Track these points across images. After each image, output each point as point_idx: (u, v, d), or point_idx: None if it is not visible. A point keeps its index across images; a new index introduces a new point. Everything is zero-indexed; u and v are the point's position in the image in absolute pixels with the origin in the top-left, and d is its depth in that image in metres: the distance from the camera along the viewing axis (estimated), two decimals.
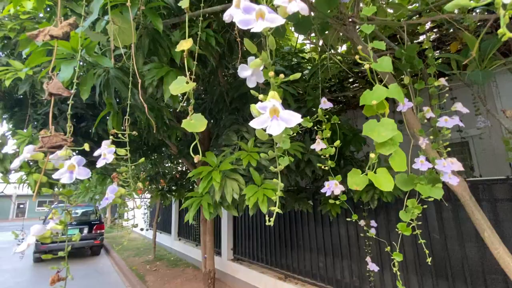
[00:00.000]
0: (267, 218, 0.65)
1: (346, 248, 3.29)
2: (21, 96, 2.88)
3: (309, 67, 2.82)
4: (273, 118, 0.41)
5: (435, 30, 2.78)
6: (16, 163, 0.63)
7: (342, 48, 2.95)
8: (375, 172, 0.67)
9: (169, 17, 1.67)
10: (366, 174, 0.66)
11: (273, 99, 0.43)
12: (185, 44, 0.65)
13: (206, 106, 2.79)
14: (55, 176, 0.61)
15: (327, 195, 1.16)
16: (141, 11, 1.01)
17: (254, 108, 0.44)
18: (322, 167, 1.21)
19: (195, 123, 0.56)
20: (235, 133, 2.00)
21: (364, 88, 3.17)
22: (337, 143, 1.17)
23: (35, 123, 2.95)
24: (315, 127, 1.25)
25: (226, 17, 0.49)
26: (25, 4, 1.43)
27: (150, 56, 1.37)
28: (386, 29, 2.44)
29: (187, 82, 0.61)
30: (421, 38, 2.80)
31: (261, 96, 0.49)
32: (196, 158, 0.59)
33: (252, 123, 0.42)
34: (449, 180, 1.12)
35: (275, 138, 0.50)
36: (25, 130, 2.28)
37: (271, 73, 0.50)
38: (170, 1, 1.47)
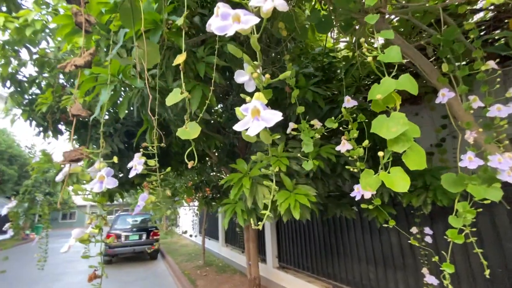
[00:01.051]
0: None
1: (399, 258, 2.99)
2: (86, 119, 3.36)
3: (343, 66, 2.71)
4: (254, 118, 0.41)
5: (491, 7, 2.43)
6: (59, 176, 0.74)
7: (381, 41, 2.77)
8: (388, 172, 0.61)
9: (198, 34, 1.79)
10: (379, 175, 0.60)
11: (255, 100, 0.43)
12: (180, 58, 0.69)
13: None
14: (88, 186, 0.70)
15: (356, 199, 1.09)
16: (165, 34, 1.12)
17: (238, 111, 0.45)
18: (351, 169, 1.13)
19: (190, 131, 0.59)
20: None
21: None
22: (365, 143, 1.09)
23: (96, 141, 3.40)
24: (341, 127, 1.19)
25: (208, 26, 0.51)
26: (77, 41, 1.70)
27: (179, 74, 1.49)
28: (426, 14, 2.22)
29: (182, 93, 0.65)
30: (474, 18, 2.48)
31: (247, 98, 0.49)
32: (190, 164, 0.62)
33: (235, 126, 0.42)
34: (509, 179, 0.95)
35: (262, 139, 0.49)
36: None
37: (255, 74, 0.50)
38: (196, 21, 1.57)
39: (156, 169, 1.13)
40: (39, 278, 7.23)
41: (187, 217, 11.63)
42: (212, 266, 7.50)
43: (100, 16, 1.19)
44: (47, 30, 1.91)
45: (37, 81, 2.57)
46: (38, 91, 2.80)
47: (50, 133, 2.97)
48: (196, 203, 7.28)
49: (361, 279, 3.49)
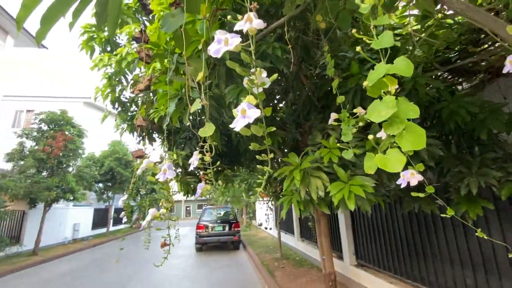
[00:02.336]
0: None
1: (504, 263, 2.47)
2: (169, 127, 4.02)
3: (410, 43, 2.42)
4: (241, 116, 0.51)
5: None
6: (139, 171, 1.01)
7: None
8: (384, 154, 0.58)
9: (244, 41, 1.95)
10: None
11: (245, 102, 0.52)
12: (200, 75, 0.82)
13: (298, 110, 2.91)
14: (157, 176, 0.94)
15: (401, 187, 1.02)
16: None
17: (233, 111, 0.55)
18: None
19: (207, 130, 0.72)
20: (319, 132, 2.00)
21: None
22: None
23: (181, 145, 4.04)
24: None
25: (209, 51, 0.63)
26: (155, 65, 2.12)
27: (230, 81, 1.68)
28: None
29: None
30: None
31: (248, 97, 0.58)
32: (208, 155, 0.75)
33: (231, 125, 0.53)
34: None
35: (254, 132, 0.58)
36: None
37: (245, 80, 0.59)
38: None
39: (210, 163, 1.33)
40: (148, 259, 8.96)
41: (262, 211, 12.20)
42: (289, 259, 7.69)
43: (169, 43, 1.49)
44: (136, 61, 2.48)
45: (135, 100, 3.29)
46: (136, 108, 3.55)
47: (146, 140, 3.71)
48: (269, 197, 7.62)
49: (454, 284, 3.01)
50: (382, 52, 0.64)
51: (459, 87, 3.16)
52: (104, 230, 16.25)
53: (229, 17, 1.05)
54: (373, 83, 0.57)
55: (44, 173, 9.87)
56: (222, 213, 10.80)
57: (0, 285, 6.32)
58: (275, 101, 3.92)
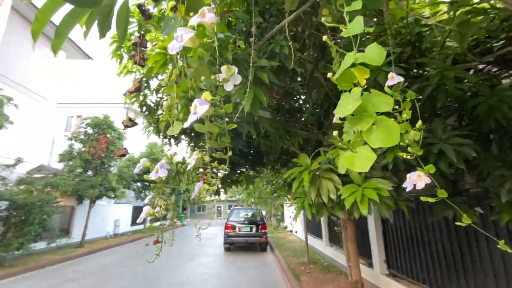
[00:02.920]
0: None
1: None
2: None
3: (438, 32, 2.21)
4: (193, 113, 0.50)
5: None
6: (136, 169, 1.05)
7: None
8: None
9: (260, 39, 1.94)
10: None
11: (199, 99, 0.51)
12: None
13: (319, 110, 2.82)
14: (150, 175, 0.97)
15: (407, 190, 0.92)
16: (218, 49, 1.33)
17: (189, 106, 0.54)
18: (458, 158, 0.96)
19: (206, 127, 0.72)
20: (336, 131, 1.90)
21: None
22: (419, 124, 0.90)
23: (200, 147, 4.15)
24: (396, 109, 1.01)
25: (169, 49, 0.63)
26: (165, 69, 2.24)
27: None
28: None
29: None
30: None
31: (205, 94, 0.57)
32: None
33: (185, 123, 0.52)
34: None
35: (208, 129, 0.56)
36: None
37: (202, 77, 0.58)
38: (253, 30, 1.73)
39: (208, 163, 1.33)
40: (183, 255, 9.35)
41: (289, 213, 12.01)
42: (317, 264, 7.46)
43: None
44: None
45: (160, 104, 3.49)
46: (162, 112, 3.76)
47: (172, 142, 3.89)
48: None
49: None
50: (354, 40, 0.59)
51: (507, 81, 2.80)
52: (141, 226, 17.34)
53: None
54: (340, 74, 0.52)
55: (90, 173, 10.86)
56: (250, 214, 10.86)
57: (51, 273, 7.07)
58: (301, 102, 3.84)
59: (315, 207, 1.76)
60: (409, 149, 0.92)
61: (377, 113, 0.52)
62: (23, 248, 7.12)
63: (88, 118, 11.36)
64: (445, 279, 3.42)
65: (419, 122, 0.92)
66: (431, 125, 1.84)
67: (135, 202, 16.78)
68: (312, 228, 9.85)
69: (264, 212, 13.81)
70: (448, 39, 2.13)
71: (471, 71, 2.16)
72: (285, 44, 1.66)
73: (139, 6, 1.06)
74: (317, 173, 1.66)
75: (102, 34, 1.07)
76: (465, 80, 2.07)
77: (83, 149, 10.57)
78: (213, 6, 1.76)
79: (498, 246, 0.92)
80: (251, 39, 1.89)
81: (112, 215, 14.05)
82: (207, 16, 0.56)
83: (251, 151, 4.22)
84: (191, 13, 1.16)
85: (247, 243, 9.87)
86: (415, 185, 0.96)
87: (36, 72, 11.29)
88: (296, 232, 10.92)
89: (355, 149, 0.55)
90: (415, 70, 2.25)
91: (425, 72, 2.25)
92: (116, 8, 1.18)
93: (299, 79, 2.56)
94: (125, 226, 15.48)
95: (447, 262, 3.39)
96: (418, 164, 1.86)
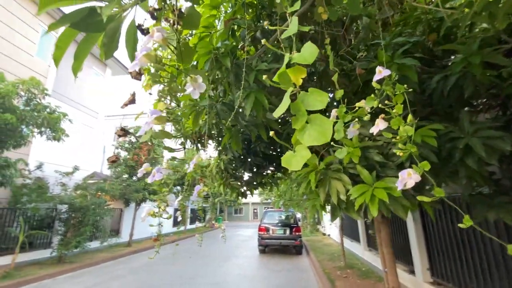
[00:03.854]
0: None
1: None
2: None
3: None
4: (146, 122, 0.54)
5: None
6: (139, 174, 1.15)
7: None
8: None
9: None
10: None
11: (152, 110, 0.56)
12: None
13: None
14: (148, 179, 1.05)
15: (399, 189, 0.85)
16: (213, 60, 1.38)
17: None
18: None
19: (161, 134, 0.77)
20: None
21: None
22: (410, 118, 0.83)
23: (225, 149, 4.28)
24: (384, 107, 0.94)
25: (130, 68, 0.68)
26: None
27: (240, 85, 1.71)
28: None
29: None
30: None
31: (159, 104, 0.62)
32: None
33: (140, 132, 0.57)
34: None
35: (163, 136, 0.60)
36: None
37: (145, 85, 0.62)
38: (258, 35, 1.76)
39: (224, 167, 1.38)
40: (218, 255, 9.65)
41: (327, 216, 11.62)
42: (354, 269, 7.11)
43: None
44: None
45: None
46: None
47: (199, 146, 4.08)
48: None
49: None
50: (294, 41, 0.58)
51: None
52: (182, 228, 18.29)
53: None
54: (278, 74, 0.52)
55: (134, 178, 11.83)
56: (283, 216, 10.78)
57: (103, 269, 7.84)
58: None
59: (330, 209, 1.71)
60: (399, 145, 0.87)
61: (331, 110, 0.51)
62: (80, 246, 8.02)
63: (131, 128, 12.42)
64: (497, 287, 3.02)
65: (410, 117, 0.85)
66: (456, 117, 1.67)
67: (176, 205, 17.75)
68: (350, 231, 9.41)
69: (298, 215, 13.58)
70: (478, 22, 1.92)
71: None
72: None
73: (138, 26, 1.16)
74: (326, 173, 1.61)
75: (108, 55, 1.20)
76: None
77: (128, 156, 11.57)
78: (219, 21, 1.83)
79: None
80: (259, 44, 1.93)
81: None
82: (155, 35, 0.61)
83: (277, 153, 4.22)
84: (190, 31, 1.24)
85: (281, 246, 9.80)
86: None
87: (87, 90, 12.74)
88: (329, 235, 10.54)
89: (295, 147, 0.55)
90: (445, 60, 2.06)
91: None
92: (125, 28, 1.31)
93: (315, 78, 2.51)
94: (168, 227, 16.48)
95: (498, 270, 2.99)
96: (447, 163, 1.71)
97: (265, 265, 8.36)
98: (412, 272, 4.87)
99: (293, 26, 0.54)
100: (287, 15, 0.67)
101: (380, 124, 0.89)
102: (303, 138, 0.48)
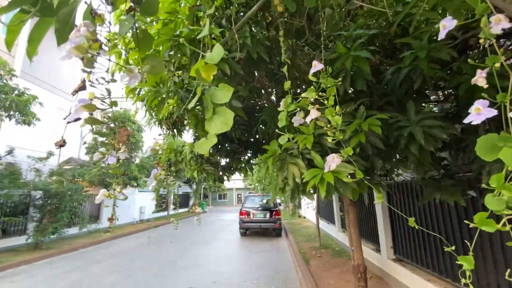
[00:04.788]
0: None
1: None
2: None
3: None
4: (75, 111, 0.60)
5: None
6: (96, 156, 1.21)
7: None
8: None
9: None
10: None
11: (81, 98, 0.61)
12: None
13: None
14: (102, 163, 1.11)
15: (325, 171, 0.97)
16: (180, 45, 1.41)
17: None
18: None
19: (89, 120, 0.82)
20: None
21: None
22: (338, 109, 0.93)
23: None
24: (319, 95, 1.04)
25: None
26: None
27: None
28: None
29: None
30: None
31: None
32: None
33: (69, 118, 0.63)
34: None
35: (86, 122, 0.66)
36: None
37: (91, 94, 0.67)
38: (223, 23, 1.78)
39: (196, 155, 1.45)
40: (200, 239, 9.86)
41: (305, 200, 12.06)
42: (328, 249, 7.54)
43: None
44: None
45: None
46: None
47: (175, 132, 4.08)
48: None
49: (498, 286, 2.59)
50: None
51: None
52: (165, 213, 18.32)
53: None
54: (192, 71, 0.59)
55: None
56: (264, 200, 11.07)
57: (83, 254, 7.81)
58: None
59: (290, 191, 1.84)
60: (328, 133, 0.97)
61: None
62: (58, 233, 7.91)
63: (109, 112, 12.02)
64: (447, 263, 3.37)
65: (337, 107, 0.95)
66: (404, 108, 1.81)
67: (151, 189, 17.64)
68: (326, 214, 9.87)
69: (279, 200, 13.99)
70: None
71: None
72: (247, 34, 1.70)
73: (92, 11, 1.15)
74: (285, 159, 1.72)
75: (60, 41, 1.20)
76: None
77: (106, 141, 11.27)
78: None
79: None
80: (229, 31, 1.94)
81: (137, 202, 14.98)
82: (81, 30, 0.65)
83: (252, 139, 4.30)
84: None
85: (261, 229, 10.15)
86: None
87: (64, 72, 12.07)
88: (304, 217, 11.00)
89: (208, 135, 0.63)
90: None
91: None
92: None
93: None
94: (150, 213, 16.44)
95: (449, 247, 3.32)
96: (394, 149, 1.85)
97: (245, 247, 8.66)
98: (378, 250, 5.27)
99: (206, 28, 0.60)
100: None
101: (312, 113, 0.98)
102: (210, 127, 0.56)
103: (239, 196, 34.65)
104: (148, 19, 1.92)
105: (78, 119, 1.09)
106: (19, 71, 9.39)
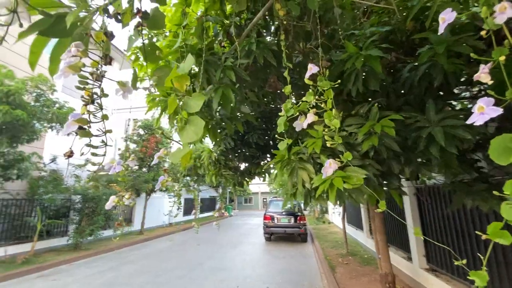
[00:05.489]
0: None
1: None
2: None
3: None
4: (68, 125, 0.64)
5: None
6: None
7: None
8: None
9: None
10: None
11: (72, 113, 0.65)
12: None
13: None
14: (110, 172, 1.16)
15: (323, 177, 0.92)
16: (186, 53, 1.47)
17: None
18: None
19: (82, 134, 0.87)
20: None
21: None
22: (334, 112, 0.89)
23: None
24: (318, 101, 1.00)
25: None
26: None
27: (208, 82, 1.78)
28: None
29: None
30: None
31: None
32: None
33: (63, 131, 0.67)
34: None
35: (80, 135, 0.69)
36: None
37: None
38: (231, 31, 1.82)
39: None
40: (226, 243, 9.98)
41: (331, 205, 11.69)
42: (356, 256, 7.21)
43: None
44: None
45: None
46: None
47: None
48: None
49: None
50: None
51: None
52: (192, 217, 18.82)
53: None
54: (167, 81, 0.60)
55: (144, 169, 12.24)
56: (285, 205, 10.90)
57: (117, 255, 8.29)
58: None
59: (303, 197, 1.80)
60: (325, 137, 0.93)
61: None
62: (94, 234, 8.49)
63: (139, 120, 12.74)
64: (490, 277, 3.04)
65: (334, 111, 0.91)
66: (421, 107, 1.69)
67: (186, 195, 18.25)
68: (354, 219, 9.47)
69: (302, 204, 13.68)
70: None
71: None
72: (253, 41, 1.70)
73: (106, 33, 1.25)
74: (294, 163, 1.68)
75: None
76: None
77: (137, 148, 11.94)
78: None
79: None
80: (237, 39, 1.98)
81: (166, 206, 15.60)
82: (72, 50, 0.70)
83: (271, 143, 4.28)
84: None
85: (286, 234, 10.01)
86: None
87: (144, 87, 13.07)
88: (331, 223, 10.62)
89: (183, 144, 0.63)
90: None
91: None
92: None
93: (297, 69, 2.54)
94: (178, 216, 17.02)
95: (489, 258, 3.00)
96: (412, 152, 1.74)
97: (270, 252, 8.60)
98: (409, 259, 4.93)
99: (189, 61, 0.62)
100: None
101: (309, 118, 0.96)
102: (182, 136, 0.57)
103: (265, 200, 34.56)
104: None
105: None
106: (61, 85, 10.34)
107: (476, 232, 0.80)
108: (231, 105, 1.56)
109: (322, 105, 0.96)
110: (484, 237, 0.73)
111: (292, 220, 9.80)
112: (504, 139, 0.72)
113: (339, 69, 2.03)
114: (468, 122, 0.67)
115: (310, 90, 1.03)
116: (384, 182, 1.80)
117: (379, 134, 1.56)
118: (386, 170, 1.73)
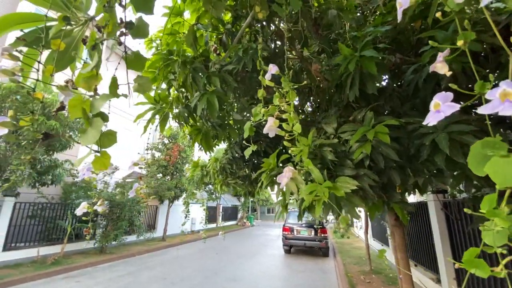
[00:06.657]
0: None
1: None
2: None
3: None
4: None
5: None
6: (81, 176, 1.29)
7: None
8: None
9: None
10: None
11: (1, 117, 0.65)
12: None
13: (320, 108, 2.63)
14: (80, 176, 1.17)
15: (281, 186, 0.83)
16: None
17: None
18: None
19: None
20: (316, 130, 1.74)
21: None
22: (294, 116, 0.80)
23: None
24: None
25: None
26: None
27: (197, 90, 1.76)
28: None
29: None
30: None
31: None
32: None
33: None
34: None
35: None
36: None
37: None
38: (224, 39, 1.81)
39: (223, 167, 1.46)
40: (244, 253, 9.84)
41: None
42: (380, 274, 6.69)
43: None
44: None
45: None
46: None
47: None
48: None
49: None
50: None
51: None
52: (214, 225, 18.97)
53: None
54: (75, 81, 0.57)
55: (168, 177, 12.64)
56: (308, 217, 10.54)
57: (138, 260, 8.54)
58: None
59: (298, 209, 1.68)
60: (285, 143, 0.85)
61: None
62: (118, 239, 8.85)
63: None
64: None
65: (293, 114, 0.83)
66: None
67: (208, 203, 18.49)
68: (379, 234, 8.85)
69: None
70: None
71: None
72: (245, 46, 1.66)
73: (83, 41, 1.31)
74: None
75: (59, 68, 1.36)
76: None
77: (161, 156, 12.41)
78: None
79: None
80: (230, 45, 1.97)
81: (191, 213, 15.90)
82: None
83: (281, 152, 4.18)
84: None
85: (305, 247, 9.62)
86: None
87: (122, 93, 13.92)
88: (348, 237, 10.01)
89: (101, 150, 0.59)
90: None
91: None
92: None
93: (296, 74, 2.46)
94: (200, 224, 17.24)
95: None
96: (416, 160, 1.57)
97: (288, 265, 8.30)
98: (438, 280, 4.43)
99: (96, 59, 0.59)
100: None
101: (269, 121, 0.88)
102: (81, 138, 0.53)
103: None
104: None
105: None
106: None
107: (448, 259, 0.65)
108: (217, 111, 1.53)
109: (285, 107, 0.88)
110: (457, 265, 0.60)
111: (313, 232, 9.41)
112: (483, 144, 0.59)
113: (339, 73, 1.93)
114: (424, 123, 0.56)
115: (277, 93, 0.96)
116: (385, 194, 1.62)
117: (375, 142, 1.42)
118: (387, 182, 1.56)
